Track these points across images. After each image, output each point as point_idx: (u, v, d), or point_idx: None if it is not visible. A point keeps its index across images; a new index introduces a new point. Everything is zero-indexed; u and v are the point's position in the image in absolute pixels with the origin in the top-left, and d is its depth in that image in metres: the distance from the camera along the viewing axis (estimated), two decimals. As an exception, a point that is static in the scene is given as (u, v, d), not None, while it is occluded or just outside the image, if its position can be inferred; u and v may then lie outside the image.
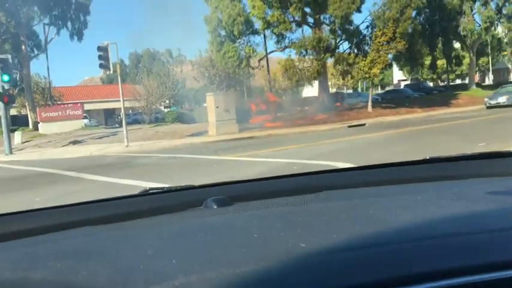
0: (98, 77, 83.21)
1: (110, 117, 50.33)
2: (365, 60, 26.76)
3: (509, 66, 57.54)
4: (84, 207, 1.46)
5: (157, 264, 0.86)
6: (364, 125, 23.07)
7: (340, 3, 24.05)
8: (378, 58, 26.42)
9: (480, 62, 45.91)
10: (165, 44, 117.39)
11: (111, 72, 18.75)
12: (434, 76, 59.72)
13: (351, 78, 28.11)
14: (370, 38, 28.10)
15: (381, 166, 1.74)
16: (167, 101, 48.96)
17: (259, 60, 28.73)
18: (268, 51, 28.45)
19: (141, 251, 0.97)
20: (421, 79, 60.76)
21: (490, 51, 41.98)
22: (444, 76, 55.83)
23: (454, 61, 41.74)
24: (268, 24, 25.32)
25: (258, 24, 26.52)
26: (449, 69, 42.86)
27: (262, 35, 27.82)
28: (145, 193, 1.59)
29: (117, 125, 36.90)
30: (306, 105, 32.07)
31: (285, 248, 0.88)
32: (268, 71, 29.93)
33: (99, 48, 18.89)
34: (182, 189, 1.60)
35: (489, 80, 54.26)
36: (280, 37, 27.06)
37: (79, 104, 55.64)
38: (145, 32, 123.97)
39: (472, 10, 35.33)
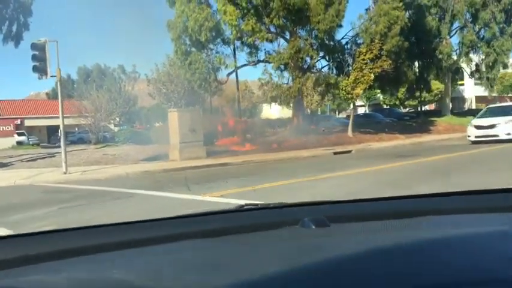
0: (44, 92, 77.61)
1: (53, 134, 45.86)
2: (347, 80, 23.90)
3: (464, 95, 57.39)
4: (185, 220, 1.47)
5: (280, 281, 0.85)
6: (350, 151, 20.09)
7: (324, 16, 21.07)
8: (361, 77, 23.63)
9: (438, 89, 44.33)
10: (118, 58, 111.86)
11: (48, 76, 14.63)
12: (397, 102, 58.49)
13: (332, 98, 25.18)
14: (351, 55, 25.34)
15: (486, 192, 1.62)
16: (117, 119, 44.92)
17: (228, 75, 25.21)
18: (238, 65, 24.95)
19: (258, 265, 0.98)
20: (385, 105, 59.26)
21: (449, 78, 40.06)
22: (408, 102, 54.54)
23: (422, 86, 39.89)
24: (241, 33, 21.95)
25: (229, 33, 23.15)
26: (421, 94, 40.89)
27: (232, 47, 24.35)
28: (241, 209, 1.57)
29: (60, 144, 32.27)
30: (277, 127, 28.92)
31: (404, 279, 0.84)
32: (238, 87, 26.43)
33: (34, 46, 14.74)
34: (276, 207, 1.59)
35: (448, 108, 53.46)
36: (253, 49, 23.74)
37: (18, 120, 50.08)
38: (98, 44, 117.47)
39: (449, 33, 33.59)
